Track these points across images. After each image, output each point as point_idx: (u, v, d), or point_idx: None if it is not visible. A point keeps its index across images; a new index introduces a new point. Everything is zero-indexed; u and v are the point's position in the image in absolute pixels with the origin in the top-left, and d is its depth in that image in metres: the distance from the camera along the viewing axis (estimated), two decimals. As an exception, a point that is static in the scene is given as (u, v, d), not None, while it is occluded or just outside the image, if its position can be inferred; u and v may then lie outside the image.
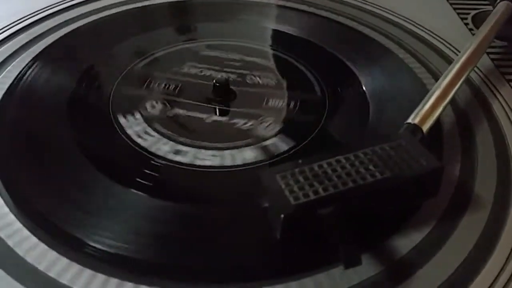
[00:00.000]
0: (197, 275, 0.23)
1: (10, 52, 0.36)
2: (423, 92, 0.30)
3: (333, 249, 0.21)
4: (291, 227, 0.21)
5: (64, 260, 0.23)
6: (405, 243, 0.24)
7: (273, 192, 0.22)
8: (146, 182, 0.26)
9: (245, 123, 0.31)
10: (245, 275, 0.23)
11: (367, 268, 0.23)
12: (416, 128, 0.26)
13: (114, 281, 0.22)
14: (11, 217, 0.25)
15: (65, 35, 0.37)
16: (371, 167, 0.23)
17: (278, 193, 0.22)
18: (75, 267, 0.23)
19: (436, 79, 0.31)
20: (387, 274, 0.23)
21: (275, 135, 0.30)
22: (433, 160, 0.23)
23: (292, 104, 0.32)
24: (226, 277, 0.23)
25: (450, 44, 0.39)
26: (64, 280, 0.22)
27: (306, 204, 0.21)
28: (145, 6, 0.42)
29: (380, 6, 0.43)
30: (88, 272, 0.23)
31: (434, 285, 0.23)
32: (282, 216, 0.21)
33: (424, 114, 0.26)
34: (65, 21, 0.39)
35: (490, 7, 0.39)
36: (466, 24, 0.42)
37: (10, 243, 0.24)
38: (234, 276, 0.23)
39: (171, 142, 0.29)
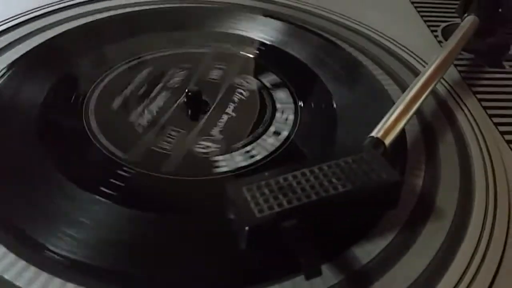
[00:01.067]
0: (154, 285, 0.23)
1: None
2: (391, 105, 0.30)
3: (294, 260, 0.21)
4: (256, 239, 0.22)
5: (22, 263, 0.23)
6: (365, 253, 0.25)
7: (238, 204, 0.22)
8: (113, 188, 0.27)
9: (215, 133, 0.31)
10: (204, 285, 0.24)
11: (328, 278, 0.24)
12: (378, 141, 0.26)
13: (70, 286, 0.23)
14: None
15: (40, 44, 0.37)
16: (334, 180, 0.23)
17: (244, 205, 0.22)
18: (32, 270, 0.23)
19: (404, 92, 0.31)
20: (346, 283, 0.24)
21: (243, 146, 0.30)
22: (393, 173, 0.24)
23: (259, 115, 0.33)
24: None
25: (419, 57, 0.39)
26: (19, 283, 0.23)
27: (270, 217, 0.22)
28: (124, 13, 0.42)
29: (349, 17, 0.43)
30: (44, 275, 0.23)
31: (394, 293, 0.24)
32: (247, 228, 0.21)
33: (387, 128, 0.27)
34: (43, 26, 0.39)
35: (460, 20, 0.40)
36: (436, 36, 0.42)
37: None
38: (193, 286, 0.24)
39: (140, 151, 0.29)
